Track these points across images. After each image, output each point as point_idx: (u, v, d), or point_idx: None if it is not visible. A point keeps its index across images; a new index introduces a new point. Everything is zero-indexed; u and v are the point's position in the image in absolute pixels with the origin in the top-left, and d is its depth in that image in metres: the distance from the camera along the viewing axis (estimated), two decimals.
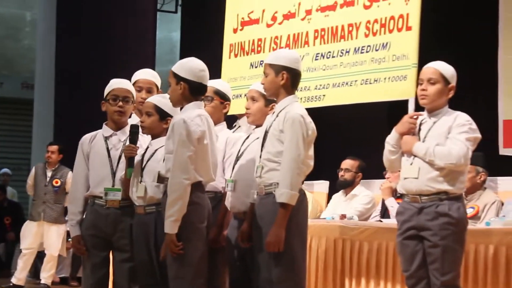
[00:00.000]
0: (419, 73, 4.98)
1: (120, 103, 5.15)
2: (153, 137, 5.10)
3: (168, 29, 15.72)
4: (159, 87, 5.75)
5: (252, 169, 4.88)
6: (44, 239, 10.02)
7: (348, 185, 7.38)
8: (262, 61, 6.78)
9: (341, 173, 7.41)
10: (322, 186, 7.79)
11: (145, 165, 5.03)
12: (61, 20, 12.05)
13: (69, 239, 10.12)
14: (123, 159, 5.09)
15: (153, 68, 9.51)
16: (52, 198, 10.03)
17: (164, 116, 5.03)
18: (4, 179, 13.70)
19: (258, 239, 4.77)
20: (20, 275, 10.03)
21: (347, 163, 7.43)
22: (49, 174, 10.13)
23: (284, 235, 4.60)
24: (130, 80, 5.48)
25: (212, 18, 8.86)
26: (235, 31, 7.18)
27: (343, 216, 6.38)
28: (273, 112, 4.88)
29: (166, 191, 4.73)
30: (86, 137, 5.26)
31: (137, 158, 5.06)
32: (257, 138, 4.97)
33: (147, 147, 5.09)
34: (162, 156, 4.89)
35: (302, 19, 6.63)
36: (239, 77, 7.05)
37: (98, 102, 5.28)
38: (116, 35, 11.33)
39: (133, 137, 5.09)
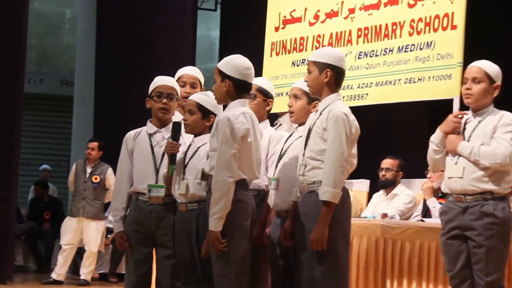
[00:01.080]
0: (464, 72, 4.95)
1: (165, 100, 5.17)
2: (196, 135, 5.10)
3: (208, 27, 15.76)
4: (203, 84, 5.76)
5: (295, 167, 4.87)
6: (84, 235, 10.10)
7: (390, 185, 7.36)
8: (304, 59, 6.78)
9: (382, 173, 7.39)
10: (363, 184, 7.77)
11: (188, 162, 5.04)
12: (101, 17, 12.13)
13: (108, 235, 10.28)
14: (166, 156, 5.11)
15: (193, 65, 9.55)
16: (92, 194, 10.11)
17: (206, 114, 5.03)
18: (44, 175, 13.83)
19: (301, 237, 4.76)
20: (60, 270, 10.12)
21: (388, 163, 7.41)
22: (88, 170, 10.21)
23: (327, 233, 4.60)
24: (173, 77, 5.49)
25: (252, 17, 8.87)
26: (276, 29, 7.17)
27: (384, 215, 6.35)
28: (316, 110, 4.87)
29: (210, 188, 4.74)
30: (131, 133, 5.28)
31: (179, 156, 5.07)
32: (300, 136, 4.96)
33: (190, 145, 5.10)
34: (205, 153, 4.90)
35: (345, 18, 6.60)
36: (281, 76, 7.04)
37: (137, 99, 5.31)
38: (156, 32, 11.37)
39: (175, 134, 5.10)
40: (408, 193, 7.28)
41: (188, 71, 5.75)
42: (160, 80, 5.23)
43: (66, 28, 16.65)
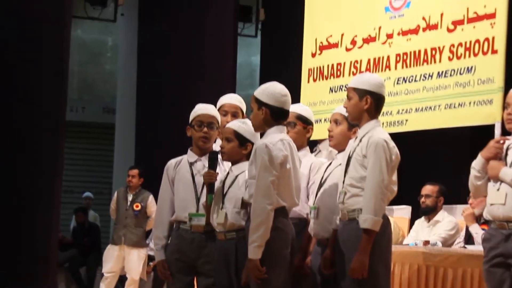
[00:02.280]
0: (505, 97, 4.90)
1: (205, 129, 5.18)
2: (233, 163, 5.09)
3: (248, 53, 15.81)
4: (244, 113, 5.77)
5: (335, 195, 4.85)
6: (125, 262, 10.11)
7: (431, 211, 7.30)
8: (342, 85, 6.77)
9: (422, 200, 7.34)
10: (404, 211, 7.70)
11: (226, 191, 5.03)
12: (142, 45, 12.22)
13: (150, 263, 10.29)
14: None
15: (234, 92, 9.57)
16: (133, 222, 10.13)
17: (243, 142, 5.01)
18: (86, 203, 13.92)
19: (341, 266, 4.73)
20: None
21: (427, 189, 7.37)
22: (130, 198, 10.24)
23: (368, 262, 4.56)
24: (214, 104, 5.51)
25: (291, 43, 8.89)
26: (313, 55, 7.17)
27: (426, 242, 6.29)
28: (356, 137, 4.85)
29: (250, 216, 4.73)
30: (172, 162, 5.30)
31: (217, 184, 5.08)
32: (340, 164, 4.94)
33: (228, 173, 5.09)
34: (243, 182, 4.89)
35: (383, 43, 6.58)
36: (319, 102, 7.03)
37: (179, 126, 5.32)
38: (197, 59, 11.43)
39: (213, 163, 5.11)
40: (450, 220, 7.21)
41: (230, 100, 5.75)
42: (200, 109, 5.25)
43: (107, 56, 16.81)
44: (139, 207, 10.11)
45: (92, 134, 16.84)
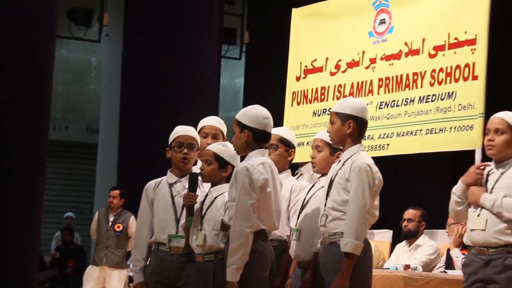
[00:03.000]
0: (486, 123, 4.93)
1: (185, 150, 5.19)
2: (213, 185, 5.10)
3: (232, 76, 15.86)
4: (225, 135, 5.78)
5: (317, 218, 4.85)
6: (106, 283, 10.07)
7: (413, 235, 7.32)
8: (325, 109, 6.77)
9: (404, 224, 7.36)
10: (385, 235, 7.71)
11: (205, 213, 5.03)
12: (126, 65, 12.22)
13: (131, 284, 10.24)
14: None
15: (217, 114, 9.57)
16: (114, 243, 10.10)
17: (223, 164, 5.03)
18: (68, 223, 13.86)
19: None
20: None
21: (410, 213, 7.40)
22: (111, 218, 10.22)
23: (348, 285, 4.56)
24: (195, 126, 5.52)
25: (275, 66, 8.89)
26: (298, 79, 7.17)
27: (407, 267, 6.31)
28: (339, 161, 4.86)
29: (229, 238, 4.72)
30: (151, 183, 5.30)
31: (196, 206, 5.08)
32: (322, 187, 4.95)
33: (207, 195, 5.10)
34: (222, 204, 4.91)
35: (366, 68, 6.59)
36: (302, 125, 7.02)
37: (162, 148, 5.32)
38: (181, 81, 11.43)
39: (193, 185, 5.11)
40: (431, 244, 7.23)
41: (211, 122, 5.77)
42: (180, 130, 5.26)
43: (92, 76, 16.81)
44: (121, 228, 10.09)
45: (75, 153, 16.80)
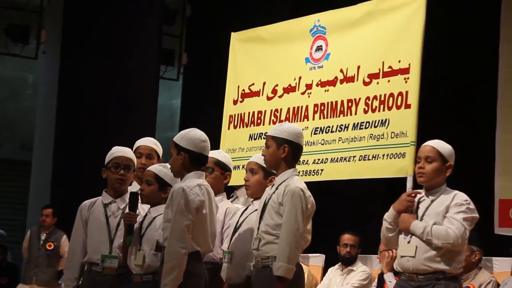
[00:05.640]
0: (417, 151, 5.03)
1: (122, 171, 5.20)
2: (152, 205, 5.11)
3: (169, 96, 15.80)
4: (160, 156, 5.79)
5: (250, 241, 4.89)
6: None
7: (353, 261, 7.38)
8: (262, 133, 6.81)
9: (347, 249, 7.39)
10: (318, 259, 7.77)
11: (144, 233, 5.04)
12: (63, 83, 12.14)
13: None
14: (121, 226, 5.11)
15: (153, 135, 9.54)
16: (45, 262, 9.99)
17: (163, 185, 5.06)
18: None
19: None
20: None
21: (349, 238, 7.43)
22: (43, 237, 10.12)
23: None
24: (131, 146, 5.52)
25: (213, 88, 8.94)
26: (235, 102, 7.20)
27: None
28: (273, 185, 4.91)
29: (163, 259, 4.73)
30: (86, 203, 5.29)
31: (136, 226, 5.08)
32: (256, 210, 4.99)
33: (146, 215, 5.11)
34: (161, 224, 4.90)
35: (302, 93, 6.64)
36: (238, 148, 7.05)
37: (96, 167, 5.31)
38: (117, 101, 11.38)
39: (133, 204, 5.12)
40: (363, 270, 7.29)
41: (145, 142, 5.79)
42: (117, 151, 5.27)
43: (27, 93, 16.62)
44: (52, 247, 9.99)
45: (8, 171, 16.56)
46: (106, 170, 5.24)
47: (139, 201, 5.17)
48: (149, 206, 5.14)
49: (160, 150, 5.83)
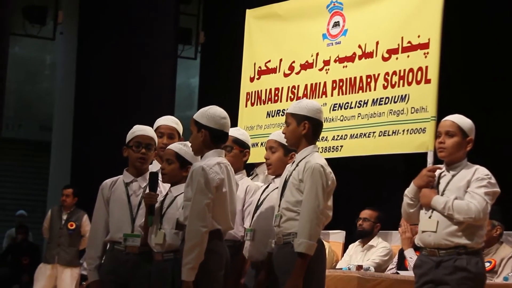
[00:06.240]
0: (438, 126, 5.01)
1: (143, 150, 5.20)
2: (173, 184, 5.12)
3: (187, 75, 15.82)
4: (181, 134, 5.79)
5: (271, 218, 4.89)
6: (58, 282, 10.02)
7: (367, 235, 7.36)
8: (279, 110, 6.81)
9: (359, 223, 7.41)
10: (339, 235, 7.76)
11: (165, 212, 5.05)
12: (80, 64, 12.17)
13: (83, 282, 10.20)
14: (142, 205, 5.12)
15: (172, 114, 9.56)
16: (67, 241, 10.05)
17: (184, 164, 5.06)
18: (19, 221, 13.74)
19: None
20: None
21: (366, 213, 7.43)
22: (64, 217, 10.17)
23: (302, 285, 4.60)
24: (151, 125, 5.52)
25: (230, 66, 8.92)
26: (252, 80, 7.20)
27: (359, 267, 6.35)
28: (293, 162, 4.90)
29: (184, 238, 4.74)
30: (107, 182, 5.29)
31: (156, 205, 5.09)
32: (277, 187, 4.99)
33: (166, 194, 5.12)
34: (181, 203, 4.91)
35: (320, 70, 6.63)
36: (256, 126, 7.05)
37: (115, 146, 5.32)
38: (136, 79, 11.40)
39: (153, 184, 5.12)
40: (384, 246, 7.28)
41: (166, 121, 5.79)
42: (139, 130, 5.26)
43: (45, 74, 16.67)
44: (74, 226, 10.05)
45: (28, 152, 16.66)
46: (127, 148, 5.24)
47: (160, 180, 5.17)
48: (169, 185, 5.15)
49: (180, 128, 5.83)
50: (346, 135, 6.25)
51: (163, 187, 5.20)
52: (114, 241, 5.15)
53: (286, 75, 6.89)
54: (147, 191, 5.12)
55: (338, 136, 6.30)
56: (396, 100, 5.97)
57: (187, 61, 14.91)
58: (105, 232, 5.21)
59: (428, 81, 5.78)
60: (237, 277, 5.12)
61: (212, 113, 4.88)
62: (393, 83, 6.02)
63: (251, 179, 5.81)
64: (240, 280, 5.12)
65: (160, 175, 5.16)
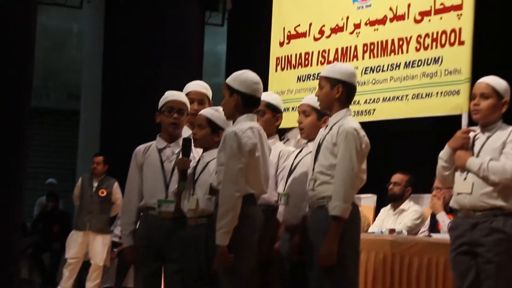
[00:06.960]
0: (472, 88, 4.97)
1: (175, 115, 5.20)
2: (205, 150, 5.12)
3: (214, 42, 15.77)
4: (210, 99, 5.78)
5: (305, 183, 4.88)
6: (90, 248, 10.08)
7: (397, 199, 7.35)
8: (310, 74, 6.79)
9: (390, 187, 7.39)
10: (370, 200, 7.76)
11: (197, 178, 5.06)
12: (108, 32, 12.16)
13: (114, 249, 10.27)
14: (176, 171, 5.12)
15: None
16: (98, 209, 10.09)
17: (216, 129, 5.06)
18: (50, 189, 13.82)
19: (310, 253, 4.77)
20: (65, 284, 10.09)
21: (397, 177, 7.41)
22: (95, 184, 10.20)
23: (336, 249, 4.60)
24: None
25: (258, 32, 8.88)
26: (281, 44, 7.17)
27: (391, 231, 6.35)
28: (326, 126, 4.88)
29: (218, 203, 4.75)
30: (140, 148, 5.30)
31: (189, 171, 5.09)
32: (310, 151, 4.97)
33: (199, 160, 5.12)
34: (214, 168, 4.91)
35: (351, 33, 6.59)
36: (286, 91, 7.04)
37: (144, 114, 5.32)
38: (164, 47, 11.39)
39: (186, 150, 5.12)
40: (416, 209, 7.27)
41: (196, 87, 5.77)
42: (171, 95, 5.26)
43: (72, 43, 16.69)
44: (105, 194, 10.08)
45: (56, 120, 16.73)
46: (159, 114, 5.24)
47: (192, 146, 5.17)
48: (202, 150, 5.15)
49: (210, 94, 5.81)
50: (379, 98, 6.22)
51: (196, 153, 5.20)
52: (148, 207, 5.17)
53: (316, 39, 6.85)
54: (180, 156, 5.12)
55: (370, 99, 6.27)
56: (429, 62, 5.93)
57: (214, 28, 14.86)
58: (139, 198, 5.23)
59: (461, 43, 5.72)
60: (271, 241, 5.12)
61: (245, 77, 4.86)
62: (426, 45, 5.98)
63: (283, 144, 5.79)
64: (274, 245, 5.12)
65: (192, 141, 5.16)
